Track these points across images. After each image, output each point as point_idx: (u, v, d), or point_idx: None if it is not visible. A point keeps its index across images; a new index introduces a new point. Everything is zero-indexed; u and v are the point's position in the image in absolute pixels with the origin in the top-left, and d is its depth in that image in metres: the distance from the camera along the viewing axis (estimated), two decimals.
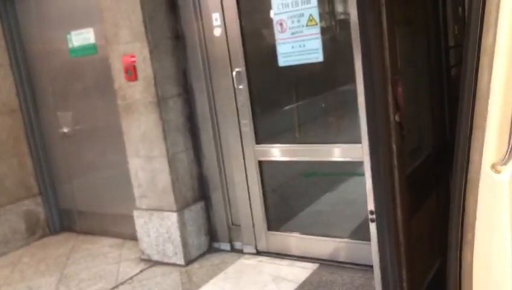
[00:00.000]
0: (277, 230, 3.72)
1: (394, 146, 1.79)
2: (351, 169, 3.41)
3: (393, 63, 1.75)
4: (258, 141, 3.60)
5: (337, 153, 3.31)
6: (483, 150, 1.44)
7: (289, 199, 3.93)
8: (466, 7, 2.98)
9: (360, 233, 3.33)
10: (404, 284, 1.94)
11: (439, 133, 2.77)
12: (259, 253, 3.77)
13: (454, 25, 3.01)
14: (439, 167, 2.64)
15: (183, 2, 3.60)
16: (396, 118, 1.78)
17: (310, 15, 3.15)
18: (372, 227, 2.02)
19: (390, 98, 1.73)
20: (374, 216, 1.97)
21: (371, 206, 1.98)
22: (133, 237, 4.08)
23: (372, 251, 2.12)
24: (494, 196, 1.44)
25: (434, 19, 2.72)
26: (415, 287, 2.08)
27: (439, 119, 2.79)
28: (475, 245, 1.54)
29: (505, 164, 1.39)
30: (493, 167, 1.42)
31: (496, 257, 1.47)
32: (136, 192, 3.88)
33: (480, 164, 1.46)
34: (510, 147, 1.37)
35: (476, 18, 1.42)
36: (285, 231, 3.70)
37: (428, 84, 2.73)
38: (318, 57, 3.19)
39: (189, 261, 3.77)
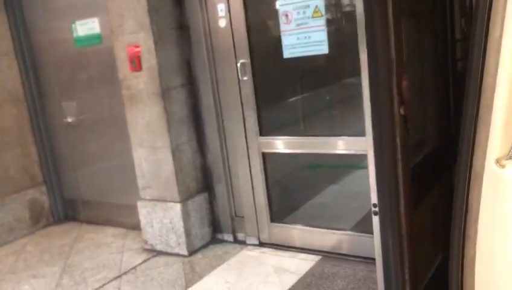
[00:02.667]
0: (280, 222, 3.73)
1: (398, 139, 1.78)
2: (354, 162, 3.40)
3: (399, 56, 1.74)
4: (262, 132, 3.60)
5: (341, 145, 3.31)
6: (488, 145, 1.44)
7: (292, 191, 3.93)
8: (473, 0, 2.95)
9: (363, 226, 3.33)
10: (407, 277, 1.94)
11: (445, 126, 2.76)
12: (262, 244, 3.78)
13: (461, 18, 2.99)
14: (444, 161, 2.63)
15: None
16: (401, 111, 1.77)
17: (316, 6, 3.13)
18: (375, 220, 2.02)
19: (395, 91, 1.72)
20: (377, 209, 1.97)
21: (374, 199, 1.98)
22: (137, 227, 4.09)
23: (374, 243, 2.12)
24: (498, 190, 1.43)
25: (441, 11, 2.70)
26: (417, 280, 2.08)
27: (445, 113, 2.77)
28: (478, 240, 1.53)
29: (510, 158, 1.38)
30: (498, 161, 1.41)
31: (498, 252, 1.47)
32: (140, 182, 3.89)
33: (485, 158, 1.45)
34: None
35: (483, 11, 1.41)
36: (288, 222, 3.71)
37: (434, 77, 2.71)
38: (323, 49, 3.17)
39: (192, 252, 3.79)
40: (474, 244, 1.55)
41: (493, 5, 1.38)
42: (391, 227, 1.89)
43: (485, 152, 1.45)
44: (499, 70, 1.38)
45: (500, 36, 1.37)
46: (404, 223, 1.88)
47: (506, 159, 1.39)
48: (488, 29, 1.41)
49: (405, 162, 1.84)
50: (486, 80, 1.45)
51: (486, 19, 1.41)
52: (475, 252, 1.55)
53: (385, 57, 1.70)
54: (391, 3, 1.68)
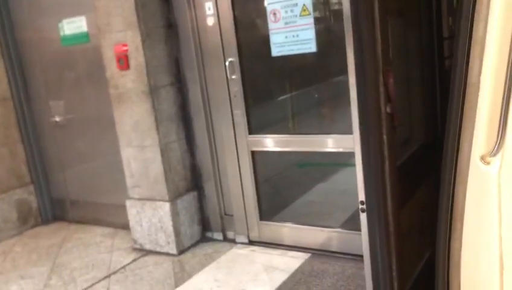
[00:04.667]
0: (269, 220, 3.73)
1: (385, 137, 1.79)
2: (343, 159, 3.42)
3: (385, 54, 1.75)
4: (251, 131, 3.60)
5: (330, 143, 3.32)
6: (473, 142, 1.45)
7: (282, 189, 3.94)
8: None
9: (351, 223, 3.35)
10: (394, 274, 1.96)
11: (432, 123, 2.79)
12: (251, 243, 3.78)
13: (448, 16, 3.01)
14: (431, 157, 2.65)
15: None
16: (388, 109, 1.78)
17: (304, 5, 3.14)
18: (363, 217, 2.04)
19: (381, 89, 1.73)
20: (364, 206, 1.98)
21: (361, 196, 1.99)
22: (126, 227, 4.08)
23: (362, 240, 2.13)
24: (483, 187, 1.45)
25: (427, 9, 2.72)
26: (404, 276, 2.10)
27: (432, 110, 2.79)
28: (464, 235, 1.55)
29: (494, 155, 1.40)
30: (482, 158, 1.43)
31: (483, 247, 1.49)
32: (129, 182, 3.87)
33: (470, 155, 1.47)
34: (499, 138, 1.38)
35: (467, 9, 1.43)
36: (278, 220, 3.71)
37: (421, 75, 2.73)
38: (311, 47, 3.18)
39: (181, 251, 3.78)
40: (460, 239, 1.57)
41: (477, 4, 1.40)
42: (378, 224, 1.90)
43: (470, 149, 1.47)
44: (483, 68, 1.40)
45: (484, 34, 1.38)
46: (392, 220, 1.90)
47: (491, 156, 1.41)
48: (472, 28, 1.43)
49: (392, 159, 1.85)
50: (471, 78, 1.46)
51: (470, 17, 1.42)
52: (461, 248, 1.57)
53: (371, 56, 1.71)
54: (377, 2, 1.68)
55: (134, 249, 3.96)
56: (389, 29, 1.85)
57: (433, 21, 2.73)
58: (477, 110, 1.42)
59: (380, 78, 1.74)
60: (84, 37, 4.15)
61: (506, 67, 1.34)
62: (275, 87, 3.72)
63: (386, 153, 1.81)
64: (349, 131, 2.79)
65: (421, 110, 2.72)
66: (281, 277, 3.21)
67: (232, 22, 3.43)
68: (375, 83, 1.74)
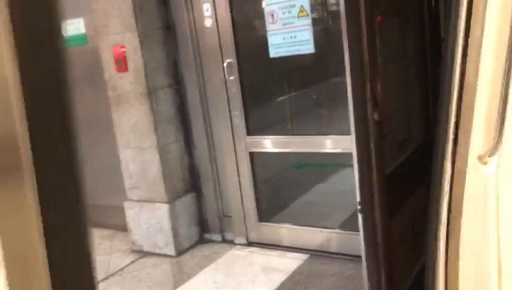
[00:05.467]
0: (268, 221, 3.73)
1: (372, 146, 1.74)
2: (341, 160, 3.41)
3: (372, 59, 1.71)
4: (250, 132, 3.60)
5: (328, 144, 3.32)
6: (470, 142, 1.45)
7: (280, 190, 3.94)
8: None
9: (350, 224, 3.34)
10: (383, 278, 1.95)
11: (426, 126, 2.78)
12: (250, 244, 3.78)
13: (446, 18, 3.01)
14: (426, 161, 2.64)
15: None
16: (375, 116, 1.72)
17: (301, 6, 3.14)
18: (361, 217, 2.03)
19: (368, 95, 1.68)
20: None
21: (359, 197, 1.98)
22: (124, 228, 4.07)
23: (361, 241, 2.13)
24: (480, 187, 1.44)
25: (425, 11, 2.72)
26: (397, 280, 2.09)
27: (426, 112, 2.79)
28: (461, 237, 1.55)
29: (492, 155, 1.40)
30: (480, 158, 1.42)
31: (481, 248, 1.48)
32: (127, 183, 3.87)
33: (467, 155, 1.46)
34: (497, 138, 1.38)
35: (463, 9, 1.42)
36: (276, 221, 3.71)
37: (419, 78, 2.73)
38: (309, 48, 3.18)
39: (180, 252, 3.78)
40: (458, 240, 1.56)
41: (474, 3, 1.39)
42: (372, 228, 1.89)
43: (467, 149, 1.46)
44: (480, 68, 1.39)
45: (481, 34, 1.38)
46: (380, 227, 1.88)
47: (489, 157, 1.41)
48: (468, 28, 1.43)
49: (379, 168, 1.82)
50: (468, 78, 1.46)
51: (466, 17, 1.42)
52: (459, 248, 1.56)
53: (358, 60, 1.68)
54: (363, 4, 1.66)
55: (133, 251, 3.95)
56: (376, 33, 1.82)
57: (425, 22, 2.73)
58: (475, 111, 1.42)
59: (367, 84, 1.70)
60: (82, 39, 4.14)
61: (503, 67, 1.34)
62: (273, 88, 3.72)
63: (373, 161, 1.77)
64: (347, 132, 2.80)
65: (416, 112, 2.72)
66: (279, 278, 3.21)
67: (230, 23, 3.43)
68: (362, 88, 1.70)
